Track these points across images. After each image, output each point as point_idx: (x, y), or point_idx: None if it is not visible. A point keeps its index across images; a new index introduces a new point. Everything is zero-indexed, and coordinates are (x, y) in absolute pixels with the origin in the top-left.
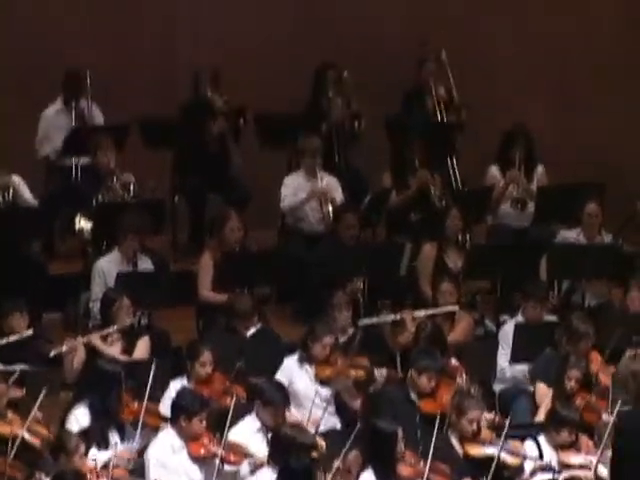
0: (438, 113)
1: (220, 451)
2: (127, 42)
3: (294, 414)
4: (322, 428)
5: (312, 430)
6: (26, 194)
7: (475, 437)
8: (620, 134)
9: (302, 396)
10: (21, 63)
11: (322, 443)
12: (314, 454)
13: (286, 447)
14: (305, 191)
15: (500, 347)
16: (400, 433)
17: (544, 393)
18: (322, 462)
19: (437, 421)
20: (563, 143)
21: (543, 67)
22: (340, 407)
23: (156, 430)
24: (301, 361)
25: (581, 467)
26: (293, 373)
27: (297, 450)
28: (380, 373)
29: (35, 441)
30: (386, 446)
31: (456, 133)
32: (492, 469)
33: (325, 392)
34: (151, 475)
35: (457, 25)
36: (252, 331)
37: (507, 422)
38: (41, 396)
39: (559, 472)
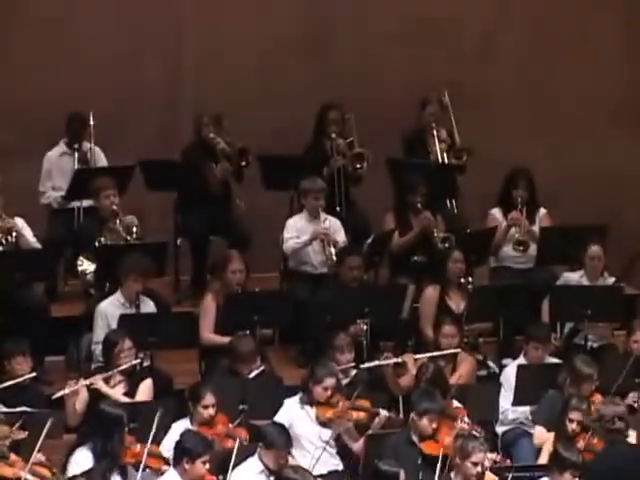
0: (440, 155)
1: None
2: (130, 85)
3: (295, 456)
4: (324, 470)
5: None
6: (29, 237)
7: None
8: (624, 175)
9: (303, 438)
10: (23, 104)
11: None
12: None
13: None
14: (308, 233)
15: (502, 389)
16: (402, 475)
17: (542, 437)
18: None
19: (439, 463)
20: (564, 186)
21: (542, 111)
22: (341, 449)
23: (158, 473)
24: (302, 403)
25: None
26: (294, 415)
27: None
28: (385, 412)
29: None
30: None
31: (457, 175)
32: None
33: (326, 434)
34: None
35: (459, 70)
36: (254, 373)
37: (511, 464)
38: (42, 437)
39: None
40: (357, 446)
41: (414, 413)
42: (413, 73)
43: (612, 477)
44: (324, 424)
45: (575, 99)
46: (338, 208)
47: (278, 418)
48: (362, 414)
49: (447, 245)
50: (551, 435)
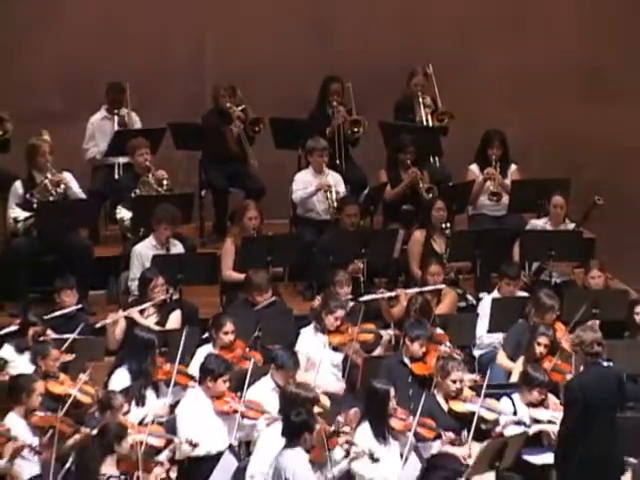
0: (425, 119)
1: (241, 408)
2: (161, 60)
3: (310, 376)
4: (329, 390)
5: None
6: (75, 188)
7: (458, 396)
8: (584, 136)
9: (317, 361)
10: (71, 74)
11: (327, 402)
12: (317, 409)
13: (292, 402)
14: (313, 185)
15: (479, 319)
16: (392, 392)
17: (503, 360)
18: (326, 417)
19: (424, 383)
20: (532, 145)
21: (518, 82)
22: (348, 371)
23: (186, 389)
24: (316, 331)
25: (549, 422)
26: (309, 342)
27: (301, 405)
28: (387, 333)
29: (85, 399)
30: (380, 403)
31: (441, 136)
32: (473, 423)
33: (337, 357)
34: (181, 428)
35: (445, 48)
36: (266, 303)
37: (485, 383)
38: (86, 359)
39: (529, 426)
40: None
41: (406, 339)
42: (402, 49)
43: (588, 391)
44: (335, 349)
45: (542, 71)
46: (338, 162)
47: (298, 346)
48: (369, 336)
49: (431, 195)
50: (513, 362)
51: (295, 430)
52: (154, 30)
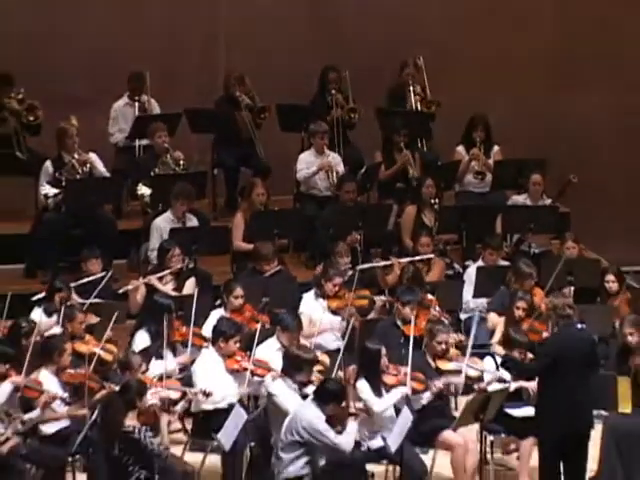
0: (415, 106)
1: (250, 366)
2: (178, 51)
3: (312, 337)
4: (329, 349)
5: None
6: (100, 167)
7: (444, 355)
8: (558, 120)
9: (318, 323)
10: (94, 62)
11: (327, 360)
12: (318, 367)
13: (294, 363)
14: (315, 165)
15: (465, 285)
16: (383, 351)
17: (494, 320)
18: (326, 374)
19: (415, 343)
20: (514, 128)
21: (501, 71)
22: (345, 332)
23: (200, 349)
24: (316, 296)
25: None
26: (311, 306)
27: (302, 364)
28: (380, 299)
29: (108, 357)
30: (372, 361)
31: (430, 121)
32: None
33: (335, 320)
34: (197, 382)
35: (434, 37)
36: (273, 271)
37: (470, 343)
38: (111, 322)
39: (510, 382)
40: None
41: (399, 303)
42: (395, 43)
43: (561, 348)
44: (334, 312)
45: (523, 60)
46: (337, 144)
47: (301, 309)
48: (364, 301)
49: (415, 182)
50: (501, 319)
51: (327, 397)
52: (171, 22)
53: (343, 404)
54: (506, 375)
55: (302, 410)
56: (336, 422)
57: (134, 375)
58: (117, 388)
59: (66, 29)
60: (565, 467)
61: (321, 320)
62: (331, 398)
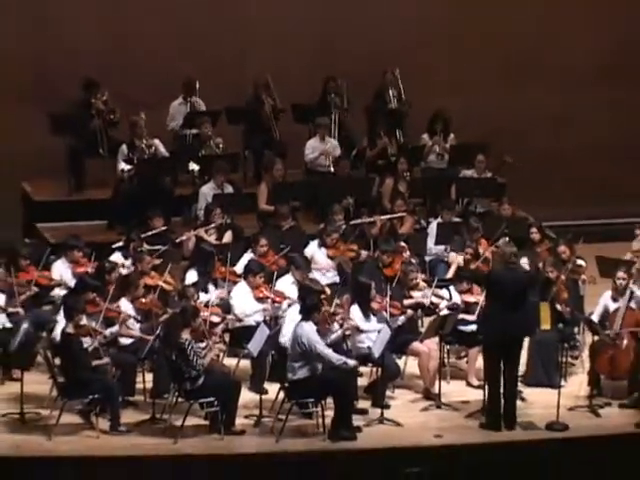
0: (394, 105)
1: (271, 295)
2: (215, 59)
3: (315, 275)
4: (329, 282)
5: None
6: (162, 150)
7: (415, 288)
8: (501, 111)
9: (319, 266)
10: (156, 72)
11: (328, 290)
12: (323, 296)
13: (306, 291)
14: (319, 150)
15: (429, 237)
16: (373, 285)
17: (453, 258)
18: (328, 300)
19: (393, 280)
20: (466, 121)
21: (453, 78)
22: (340, 272)
23: (235, 283)
24: (319, 245)
25: (474, 304)
26: (314, 251)
27: (312, 292)
28: (363, 253)
29: (169, 288)
30: (364, 292)
31: (404, 116)
32: (425, 306)
33: (330, 262)
34: (234, 308)
35: (406, 55)
36: (288, 226)
37: (434, 279)
38: (170, 263)
39: (461, 307)
40: (349, 269)
41: (379, 251)
42: (377, 56)
43: (498, 277)
44: (331, 258)
45: (478, 65)
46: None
47: (307, 252)
48: (353, 253)
49: (394, 158)
50: (459, 257)
51: (309, 310)
52: (209, 34)
53: (323, 309)
54: (458, 301)
55: (298, 329)
56: (324, 325)
57: (189, 302)
58: (176, 311)
59: (130, 43)
60: (503, 366)
61: (322, 264)
62: (313, 310)
